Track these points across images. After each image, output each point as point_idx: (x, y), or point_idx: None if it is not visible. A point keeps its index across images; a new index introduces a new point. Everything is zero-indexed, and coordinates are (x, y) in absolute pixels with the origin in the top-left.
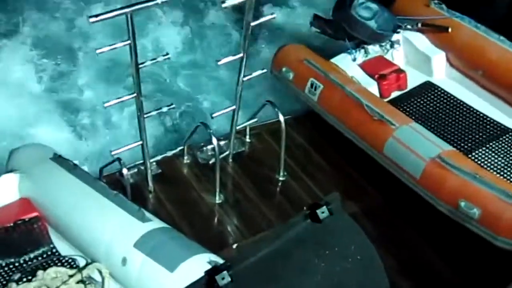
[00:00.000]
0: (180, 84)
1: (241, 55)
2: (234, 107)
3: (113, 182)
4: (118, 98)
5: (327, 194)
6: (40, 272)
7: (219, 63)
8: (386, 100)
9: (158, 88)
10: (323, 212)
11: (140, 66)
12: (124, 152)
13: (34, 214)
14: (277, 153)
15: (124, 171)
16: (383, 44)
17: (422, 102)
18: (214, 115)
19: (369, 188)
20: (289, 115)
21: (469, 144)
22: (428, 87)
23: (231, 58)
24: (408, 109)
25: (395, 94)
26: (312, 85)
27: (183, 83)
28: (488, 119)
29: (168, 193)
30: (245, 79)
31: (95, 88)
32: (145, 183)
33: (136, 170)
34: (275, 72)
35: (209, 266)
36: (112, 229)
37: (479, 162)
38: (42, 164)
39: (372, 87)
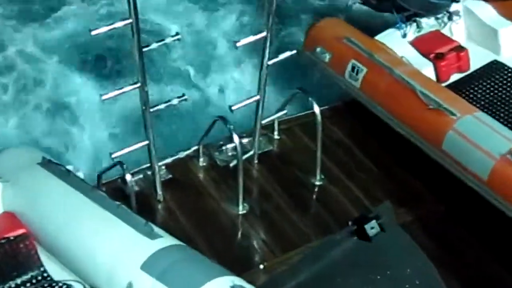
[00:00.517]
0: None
1: (264, 34)
2: (258, 97)
3: (115, 191)
4: (118, 89)
5: (376, 203)
6: None
7: (238, 44)
8: (444, 84)
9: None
10: (372, 228)
11: (144, 49)
12: (128, 154)
13: (21, 231)
14: (312, 152)
15: (128, 177)
16: (439, 16)
17: (488, 86)
18: (234, 107)
19: (424, 192)
20: (326, 106)
21: None
22: (495, 68)
23: (252, 38)
24: (471, 95)
25: (455, 77)
26: (353, 68)
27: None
28: None
29: (181, 202)
30: (270, 62)
31: None
32: (153, 191)
33: (141, 175)
34: (308, 53)
35: None
36: (114, 248)
37: None
38: (28, 171)
39: (427, 69)
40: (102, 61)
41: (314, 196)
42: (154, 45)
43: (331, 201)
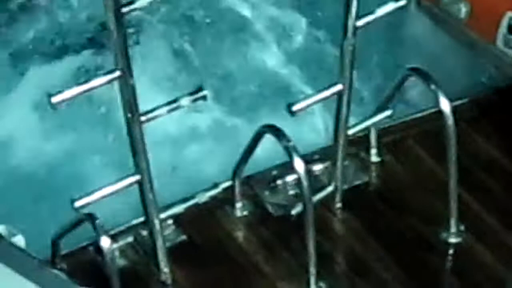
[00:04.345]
0: None
1: None
2: (339, 86)
3: (83, 269)
4: (81, 83)
5: None
6: None
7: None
8: None
9: None
10: None
11: (125, 8)
12: (104, 202)
13: None
14: (442, 184)
15: (105, 241)
16: None
17: None
18: (295, 107)
19: None
20: (464, 98)
21: None
22: None
23: None
24: None
25: None
26: (511, 27)
27: None
28: None
29: (205, 285)
30: (360, 22)
31: None
32: (152, 266)
33: (131, 239)
34: (427, 4)
35: None
36: None
37: None
38: None
39: None
40: None
41: (449, 265)
42: (142, 2)
43: (480, 272)
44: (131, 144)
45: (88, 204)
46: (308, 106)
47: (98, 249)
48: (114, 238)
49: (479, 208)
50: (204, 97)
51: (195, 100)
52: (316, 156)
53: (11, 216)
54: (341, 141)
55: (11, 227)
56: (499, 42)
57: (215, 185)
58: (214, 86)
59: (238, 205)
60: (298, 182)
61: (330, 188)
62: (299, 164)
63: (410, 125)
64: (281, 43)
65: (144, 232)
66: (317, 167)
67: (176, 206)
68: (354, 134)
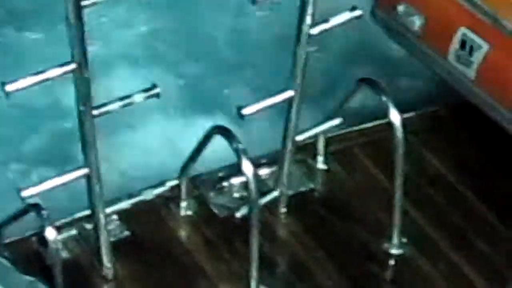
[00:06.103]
0: None
1: None
2: (291, 92)
3: (27, 258)
4: (37, 73)
5: None
6: None
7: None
8: None
9: None
10: None
11: (85, 1)
12: (50, 193)
13: None
14: (387, 195)
15: (50, 232)
16: None
17: None
18: (245, 110)
19: None
20: (413, 111)
21: None
22: None
23: None
24: None
25: None
26: (463, 43)
27: None
28: None
29: (146, 283)
30: (314, 31)
31: None
32: (94, 260)
33: (75, 231)
34: (382, 15)
35: None
36: None
37: None
38: None
39: None
40: None
41: (389, 276)
42: None
43: (420, 285)
44: (81, 137)
45: (37, 194)
46: (258, 111)
47: (42, 240)
48: (58, 229)
49: (422, 221)
50: (157, 95)
51: (148, 97)
52: (264, 160)
53: None
54: (289, 146)
55: None
56: (451, 57)
57: (162, 183)
58: None
59: (184, 204)
60: (245, 185)
61: (275, 193)
62: (247, 167)
63: (358, 135)
64: None
65: (89, 226)
66: (264, 171)
67: (122, 202)
68: (302, 141)
